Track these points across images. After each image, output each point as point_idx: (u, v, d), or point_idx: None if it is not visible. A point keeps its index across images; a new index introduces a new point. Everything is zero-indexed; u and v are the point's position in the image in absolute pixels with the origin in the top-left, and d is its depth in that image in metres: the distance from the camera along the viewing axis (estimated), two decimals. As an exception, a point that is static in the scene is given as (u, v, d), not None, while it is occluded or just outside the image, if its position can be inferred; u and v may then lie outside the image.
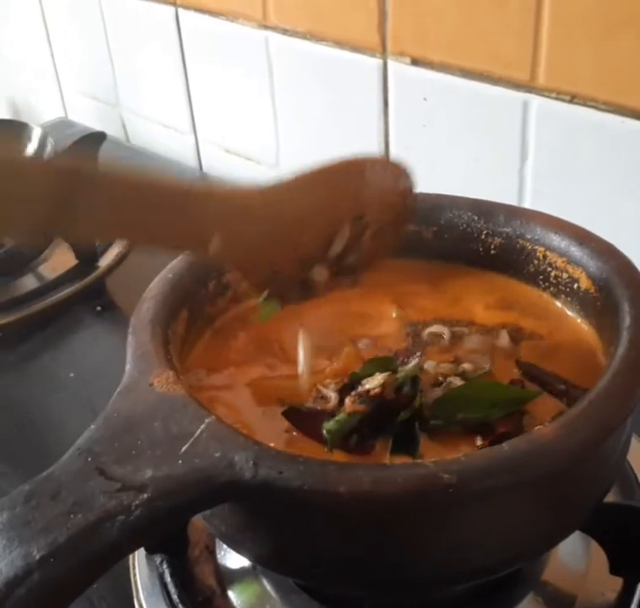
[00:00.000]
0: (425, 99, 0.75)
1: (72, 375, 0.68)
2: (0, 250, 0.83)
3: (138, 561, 0.51)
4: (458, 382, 0.44)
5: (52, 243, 0.84)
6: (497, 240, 0.52)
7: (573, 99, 0.65)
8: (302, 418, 0.42)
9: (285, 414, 0.42)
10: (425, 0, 0.71)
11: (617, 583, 0.47)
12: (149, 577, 0.50)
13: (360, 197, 0.46)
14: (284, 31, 0.84)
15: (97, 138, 0.94)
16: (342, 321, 0.51)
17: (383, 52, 0.76)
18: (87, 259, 0.81)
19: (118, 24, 1.05)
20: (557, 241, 0.49)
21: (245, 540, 0.39)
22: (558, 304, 0.50)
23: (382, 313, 0.51)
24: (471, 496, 0.34)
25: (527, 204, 0.72)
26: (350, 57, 0.79)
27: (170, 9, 0.96)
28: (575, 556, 0.49)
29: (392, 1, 0.73)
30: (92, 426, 0.37)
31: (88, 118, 1.17)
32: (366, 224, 0.46)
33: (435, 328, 0.49)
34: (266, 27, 0.85)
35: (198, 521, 0.44)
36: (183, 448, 0.36)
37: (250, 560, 0.42)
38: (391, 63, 0.76)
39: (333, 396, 0.43)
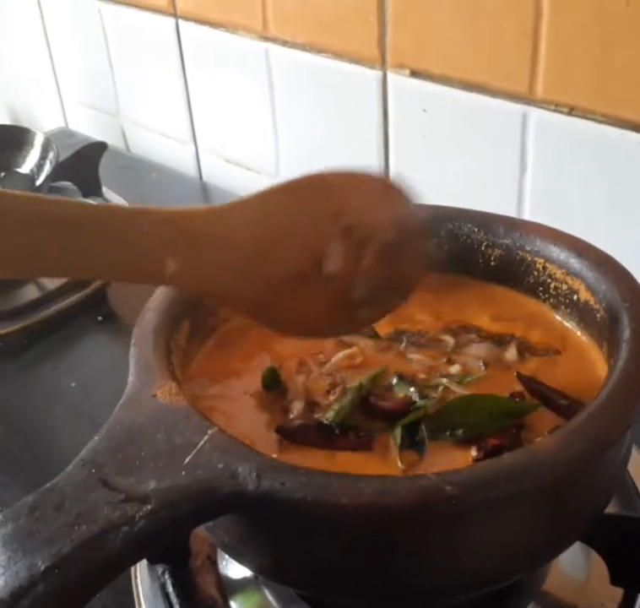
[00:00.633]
0: (424, 110, 0.76)
1: (73, 385, 0.68)
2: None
3: (140, 572, 0.51)
4: (450, 385, 0.45)
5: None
6: (497, 251, 0.52)
7: (572, 111, 0.65)
8: (295, 432, 0.43)
9: (278, 431, 0.43)
10: (425, 13, 0.71)
11: (618, 593, 0.47)
12: (151, 587, 0.50)
13: (344, 209, 0.42)
14: (285, 43, 0.84)
15: (98, 147, 0.95)
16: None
17: (383, 64, 0.77)
18: (88, 269, 0.81)
19: (119, 35, 1.06)
20: (557, 252, 0.49)
21: (247, 550, 0.39)
22: (558, 316, 0.50)
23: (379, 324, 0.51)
24: (473, 508, 0.34)
25: (526, 216, 0.72)
26: (350, 69, 0.79)
27: (171, 20, 0.96)
28: (575, 567, 0.49)
29: (392, 13, 0.74)
30: (95, 438, 0.37)
31: (88, 128, 1.18)
32: (363, 239, 0.42)
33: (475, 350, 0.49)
34: (266, 38, 0.86)
35: (200, 531, 0.44)
36: (186, 460, 0.36)
37: (252, 570, 0.42)
38: (390, 75, 0.77)
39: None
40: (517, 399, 0.44)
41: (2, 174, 0.89)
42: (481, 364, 0.48)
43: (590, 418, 0.37)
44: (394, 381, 0.46)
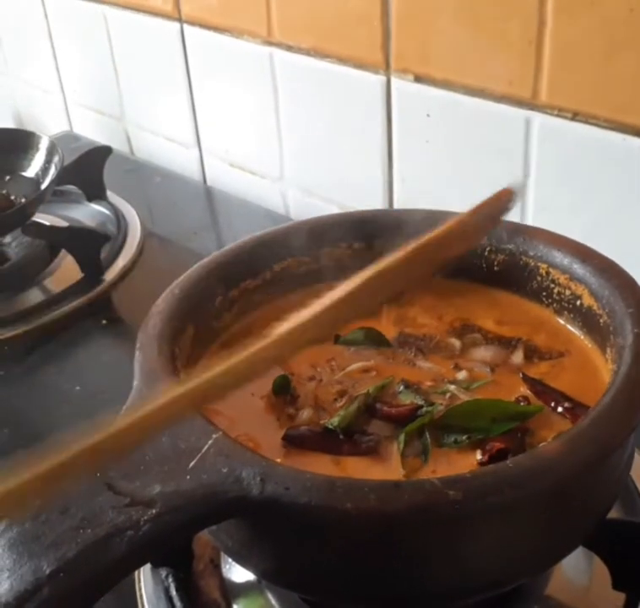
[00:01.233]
0: (428, 115, 0.76)
1: (77, 388, 0.68)
2: (6, 264, 0.84)
3: (144, 575, 0.51)
4: (457, 392, 0.45)
5: (58, 257, 0.85)
6: (501, 256, 0.52)
7: (575, 116, 0.65)
8: (301, 437, 0.43)
9: (285, 439, 0.43)
10: (429, 18, 0.72)
11: (620, 598, 0.47)
12: (155, 590, 0.50)
13: None
14: (289, 48, 0.85)
15: (103, 151, 0.96)
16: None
17: (387, 69, 0.77)
18: (93, 273, 0.81)
19: (123, 40, 1.06)
20: (560, 258, 0.49)
21: (251, 555, 0.40)
22: (561, 321, 0.50)
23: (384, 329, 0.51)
24: (476, 513, 0.34)
25: (529, 221, 0.72)
26: (354, 74, 0.80)
27: (175, 25, 0.96)
28: (578, 571, 0.49)
29: (395, 18, 0.74)
30: (101, 441, 0.38)
31: (93, 132, 1.18)
32: None
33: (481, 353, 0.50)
34: (271, 43, 0.86)
35: (203, 534, 0.44)
36: (191, 464, 0.36)
37: (256, 575, 0.43)
38: (394, 80, 0.77)
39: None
40: (522, 403, 0.45)
41: (8, 177, 0.90)
42: (488, 370, 0.48)
43: (594, 423, 0.37)
44: (400, 388, 0.46)
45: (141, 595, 0.50)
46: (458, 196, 0.76)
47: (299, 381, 0.48)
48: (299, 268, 0.54)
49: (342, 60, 0.80)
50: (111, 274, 0.82)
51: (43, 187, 0.83)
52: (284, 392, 0.47)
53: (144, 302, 0.47)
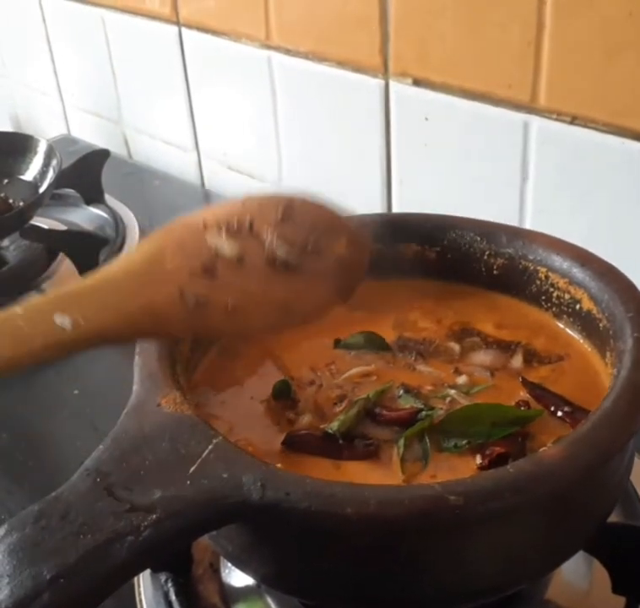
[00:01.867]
0: (426, 119, 0.76)
1: (76, 392, 0.68)
2: (4, 267, 0.84)
3: (143, 580, 0.51)
4: (457, 396, 0.46)
5: (56, 260, 0.85)
6: (500, 260, 0.52)
7: (574, 120, 0.66)
8: (301, 442, 0.43)
9: (285, 443, 0.43)
10: (427, 21, 0.72)
11: (620, 602, 0.47)
12: (154, 595, 0.50)
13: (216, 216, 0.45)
14: (287, 51, 0.85)
15: (101, 155, 0.96)
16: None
17: (385, 73, 0.77)
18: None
19: (122, 43, 1.06)
20: (559, 262, 0.49)
21: (251, 559, 0.40)
22: (561, 324, 0.50)
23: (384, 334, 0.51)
24: (477, 518, 0.34)
25: (528, 224, 0.72)
26: (352, 78, 0.79)
27: (174, 29, 0.96)
28: (578, 575, 0.49)
29: (394, 22, 0.74)
30: (100, 447, 0.38)
31: (90, 135, 1.18)
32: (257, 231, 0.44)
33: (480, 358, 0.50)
34: (269, 47, 0.86)
35: (203, 539, 0.44)
36: (191, 469, 0.36)
37: (255, 579, 0.42)
38: (393, 84, 0.77)
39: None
40: (522, 407, 0.45)
41: (6, 181, 0.90)
42: (488, 374, 0.48)
43: (594, 428, 0.37)
44: (400, 393, 0.46)
45: (141, 600, 0.50)
46: (456, 199, 0.77)
47: (299, 385, 0.48)
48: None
49: (340, 63, 0.80)
50: (109, 278, 0.81)
51: (41, 190, 0.83)
52: (284, 397, 0.47)
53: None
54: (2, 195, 0.87)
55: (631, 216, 0.66)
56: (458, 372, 0.48)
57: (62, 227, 0.89)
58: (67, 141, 1.18)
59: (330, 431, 0.43)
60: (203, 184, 1.06)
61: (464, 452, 0.42)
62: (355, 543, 0.36)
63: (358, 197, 0.85)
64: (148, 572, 0.51)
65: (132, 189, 1.03)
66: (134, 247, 0.45)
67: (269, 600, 0.49)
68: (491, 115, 0.70)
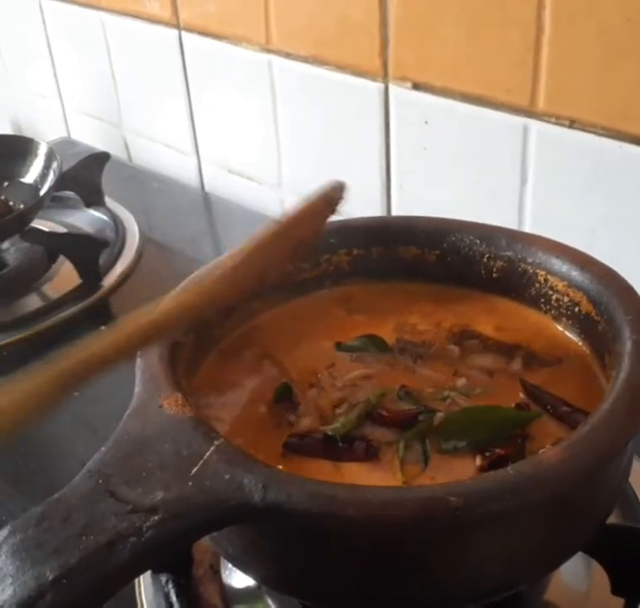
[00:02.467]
0: (426, 122, 0.76)
1: (76, 394, 0.68)
2: (4, 269, 0.84)
3: (144, 581, 0.51)
4: (458, 398, 0.46)
5: (56, 263, 0.85)
6: (499, 263, 0.52)
7: (572, 124, 0.66)
8: (301, 444, 0.43)
9: (285, 446, 0.43)
10: (427, 25, 0.72)
11: (619, 603, 0.48)
12: (155, 596, 0.50)
13: None
14: (287, 55, 0.85)
15: (101, 157, 0.96)
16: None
17: (385, 77, 0.77)
18: (91, 279, 0.81)
19: (122, 46, 1.06)
20: (558, 265, 0.49)
21: (252, 561, 0.40)
22: (560, 327, 0.51)
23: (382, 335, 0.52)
24: (477, 519, 0.34)
25: (527, 227, 0.72)
26: (352, 81, 0.80)
27: (174, 32, 0.97)
28: (577, 577, 0.50)
29: (394, 26, 0.74)
30: (102, 449, 0.38)
31: (91, 138, 1.18)
32: None
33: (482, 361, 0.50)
34: (269, 51, 0.86)
35: (203, 540, 0.44)
36: (193, 471, 0.36)
37: (256, 581, 0.43)
38: (392, 87, 0.77)
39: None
40: (521, 409, 0.45)
41: (6, 184, 0.90)
42: (487, 376, 0.48)
43: (594, 430, 0.37)
44: (401, 395, 0.46)
45: (141, 601, 0.50)
46: (456, 203, 0.77)
47: (299, 388, 0.48)
48: (298, 275, 0.55)
49: (340, 67, 0.80)
50: (109, 280, 0.82)
51: (42, 193, 0.83)
52: (286, 400, 0.47)
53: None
54: (3, 198, 0.87)
55: (629, 219, 0.66)
56: (457, 375, 0.48)
57: (63, 230, 0.89)
58: (68, 144, 1.18)
59: (330, 433, 0.43)
60: (202, 187, 1.06)
61: (464, 454, 0.42)
62: (356, 544, 0.36)
63: (358, 200, 0.84)
64: (148, 573, 0.51)
65: (132, 192, 1.03)
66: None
67: (270, 602, 0.49)
68: (491, 119, 0.71)
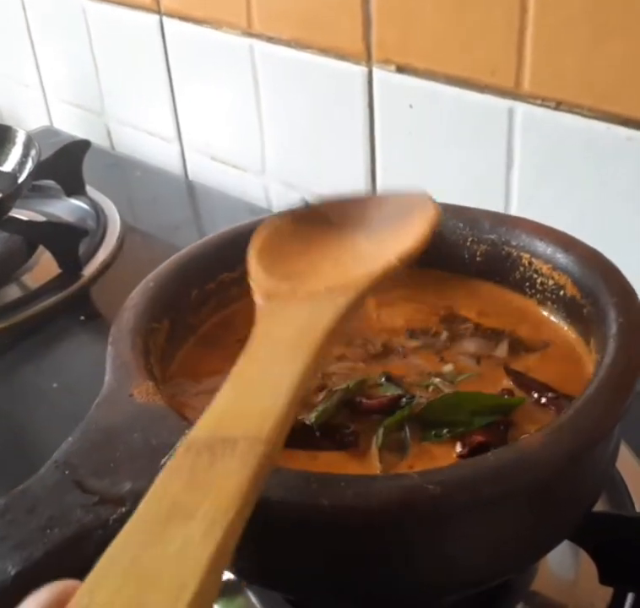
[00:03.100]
0: (410, 106, 0.75)
1: (55, 386, 0.67)
2: (-18, 260, 0.82)
3: (121, 576, 0.50)
4: (441, 385, 0.45)
5: (36, 253, 0.84)
6: (482, 247, 0.51)
7: (559, 105, 0.65)
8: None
9: None
10: (410, 7, 0.71)
11: (607, 592, 0.47)
12: (132, 591, 0.49)
13: None
14: (269, 39, 0.84)
15: (81, 145, 0.94)
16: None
17: (368, 60, 0.76)
18: (71, 268, 0.80)
19: (103, 33, 1.05)
20: (543, 247, 0.49)
21: (227, 553, 0.38)
22: (545, 311, 0.50)
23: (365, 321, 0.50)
24: (457, 508, 0.33)
25: (513, 211, 0.71)
26: (335, 65, 0.79)
27: (155, 18, 0.95)
28: (564, 566, 0.49)
29: (376, 8, 0.73)
30: (70, 439, 0.37)
31: (73, 127, 1.17)
32: None
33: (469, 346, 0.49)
34: (251, 35, 0.85)
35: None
36: (163, 461, 0.35)
37: (232, 574, 0.41)
38: (376, 71, 0.76)
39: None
40: (505, 396, 0.44)
41: (-16, 173, 0.88)
42: (474, 362, 0.47)
43: (577, 414, 0.36)
44: (382, 381, 0.45)
45: (118, 596, 0.49)
46: (441, 188, 0.75)
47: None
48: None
49: (323, 51, 0.79)
50: (89, 270, 0.81)
51: (20, 181, 0.81)
52: None
53: (124, 298, 0.46)
54: (-19, 187, 0.86)
55: (618, 202, 0.65)
56: (443, 361, 0.47)
57: (42, 219, 0.87)
58: (49, 133, 1.17)
59: (308, 422, 0.42)
60: (186, 175, 1.04)
61: (445, 441, 0.41)
62: (331, 535, 0.35)
63: (342, 185, 0.84)
64: (126, 567, 0.50)
65: (114, 181, 1.01)
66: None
67: (250, 595, 0.48)
68: (475, 101, 0.70)
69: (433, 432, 0.41)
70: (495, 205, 0.71)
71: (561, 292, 0.48)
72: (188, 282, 0.49)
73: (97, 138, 1.09)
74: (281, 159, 0.91)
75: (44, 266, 0.82)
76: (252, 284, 0.40)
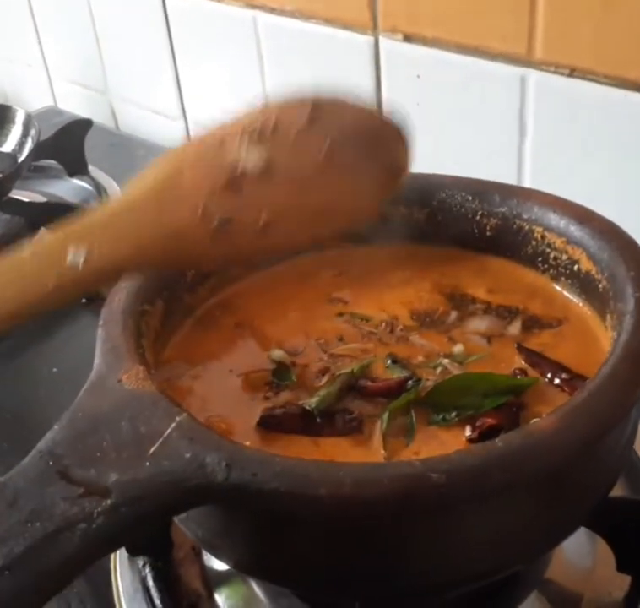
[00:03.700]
0: (418, 76, 0.73)
1: (55, 370, 0.66)
2: (-18, 242, 0.81)
3: (120, 564, 0.48)
4: (450, 366, 0.43)
5: (37, 235, 0.82)
6: (493, 221, 0.49)
7: (573, 73, 0.63)
8: (278, 421, 0.40)
9: (260, 423, 0.40)
10: (417, -27, 0.68)
11: (625, 580, 0.45)
12: (131, 581, 0.47)
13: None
14: (272, 10, 0.81)
15: (83, 124, 0.93)
16: (326, 309, 0.48)
17: (374, 29, 0.74)
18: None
19: (104, 10, 1.03)
20: (556, 220, 0.46)
21: (222, 545, 0.37)
22: (558, 287, 0.47)
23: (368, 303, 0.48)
24: (463, 498, 0.31)
25: (526, 183, 0.69)
26: (341, 35, 0.76)
27: (156, -9, 0.93)
28: (580, 553, 0.47)
29: (382, -26, 0.71)
30: (55, 427, 0.35)
31: (77, 107, 1.15)
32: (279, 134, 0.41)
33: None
34: (253, 6, 0.83)
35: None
36: (151, 450, 0.33)
37: (230, 566, 0.40)
38: (382, 40, 0.74)
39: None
40: (518, 376, 0.42)
41: (-17, 153, 0.87)
42: (485, 342, 0.45)
43: (592, 396, 0.34)
44: (388, 363, 0.43)
45: (117, 586, 0.48)
46: (451, 160, 0.73)
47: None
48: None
49: (328, 21, 0.77)
50: (91, 251, 0.79)
51: (20, 160, 0.80)
52: (284, 379, 0.43)
53: (126, 280, 0.44)
54: (-20, 168, 0.84)
55: (635, 172, 0.63)
56: (453, 341, 0.45)
57: (43, 200, 0.86)
58: (53, 113, 1.15)
59: (308, 407, 0.40)
60: (191, 153, 1.02)
61: (453, 425, 0.39)
62: (329, 527, 0.33)
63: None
64: (125, 556, 0.48)
65: (118, 160, 0.99)
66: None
67: (253, 584, 0.47)
68: (486, 70, 0.67)
69: (441, 416, 0.40)
70: (507, 177, 0.69)
71: (576, 267, 0.46)
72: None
73: (101, 118, 1.08)
74: (287, 134, 0.89)
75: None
76: None
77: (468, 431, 0.39)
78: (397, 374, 0.43)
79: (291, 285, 0.50)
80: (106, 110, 1.11)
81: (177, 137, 1.02)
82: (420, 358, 0.44)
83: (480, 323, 0.47)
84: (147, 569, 0.47)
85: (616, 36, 0.59)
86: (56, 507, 0.31)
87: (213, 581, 0.47)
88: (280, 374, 0.44)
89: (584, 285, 0.45)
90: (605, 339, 0.43)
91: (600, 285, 0.43)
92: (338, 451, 0.38)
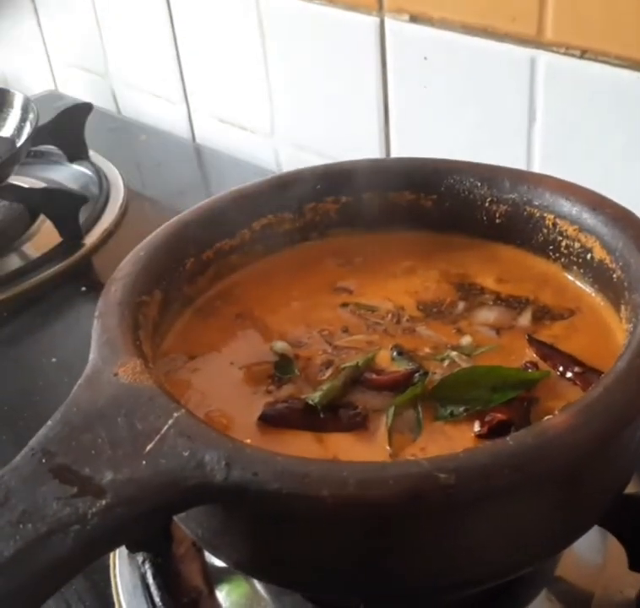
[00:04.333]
0: (425, 58, 0.71)
1: (54, 360, 0.64)
2: (-18, 229, 0.79)
3: (119, 560, 0.47)
4: (458, 359, 0.42)
5: (37, 221, 0.81)
6: (503, 207, 0.48)
7: (584, 54, 0.61)
8: (279, 416, 0.39)
9: (262, 418, 0.39)
10: (424, -49, 0.67)
11: (637, 579, 0.44)
12: (131, 577, 0.46)
13: None
14: (275, -10, 0.79)
15: (83, 109, 0.91)
16: (330, 299, 0.47)
17: (380, 9, 0.72)
18: (71, 236, 0.77)
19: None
20: (568, 207, 0.45)
21: (222, 544, 0.36)
22: (570, 277, 0.46)
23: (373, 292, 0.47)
24: (472, 498, 0.30)
25: (536, 168, 0.68)
26: (345, 16, 0.75)
27: (157, -28, 0.91)
28: (591, 551, 0.46)
29: (388, -47, 0.69)
30: (49, 423, 0.34)
31: (78, 91, 1.14)
32: None
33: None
34: (256, -14, 0.81)
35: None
36: (148, 447, 0.32)
37: (230, 566, 0.39)
38: (388, 21, 0.72)
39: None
40: (529, 369, 0.41)
41: (-19, 138, 0.85)
42: (494, 333, 0.44)
43: (607, 392, 0.33)
44: (394, 355, 0.42)
45: (116, 583, 0.46)
46: (458, 144, 0.72)
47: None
48: (281, 226, 0.50)
49: (332, 1, 0.76)
50: (91, 238, 0.78)
51: (18, 145, 0.78)
52: (287, 372, 0.42)
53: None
54: (-22, 153, 0.83)
55: (648, 157, 0.61)
56: (460, 332, 0.44)
57: (42, 185, 0.84)
58: (54, 97, 1.13)
59: (311, 402, 0.38)
60: (193, 138, 1.01)
61: (461, 420, 0.38)
62: (332, 529, 0.32)
63: (355, 144, 0.81)
64: (124, 552, 0.47)
65: (119, 145, 0.98)
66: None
67: (255, 582, 0.46)
68: (495, 51, 0.66)
69: (448, 411, 0.39)
70: (516, 162, 0.68)
71: (589, 256, 0.44)
72: (182, 250, 0.45)
73: (103, 102, 1.06)
74: (291, 118, 0.87)
75: (45, 234, 0.79)
76: None
77: (476, 427, 0.37)
78: (403, 366, 0.42)
79: (294, 275, 0.49)
80: (108, 94, 1.10)
81: (180, 122, 1.00)
82: (427, 350, 0.43)
83: (488, 314, 0.46)
84: (146, 565, 0.46)
85: (629, 16, 0.58)
86: (49, 508, 0.30)
87: (214, 577, 0.46)
88: (283, 367, 0.42)
89: (597, 274, 0.44)
90: (619, 331, 0.42)
91: (614, 275, 0.42)
92: (342, 447, 0.37)
